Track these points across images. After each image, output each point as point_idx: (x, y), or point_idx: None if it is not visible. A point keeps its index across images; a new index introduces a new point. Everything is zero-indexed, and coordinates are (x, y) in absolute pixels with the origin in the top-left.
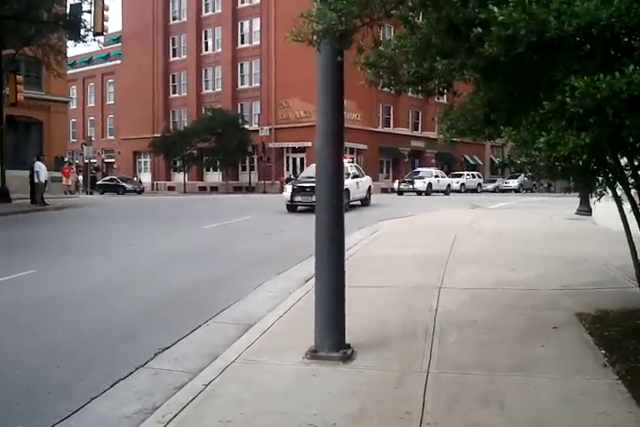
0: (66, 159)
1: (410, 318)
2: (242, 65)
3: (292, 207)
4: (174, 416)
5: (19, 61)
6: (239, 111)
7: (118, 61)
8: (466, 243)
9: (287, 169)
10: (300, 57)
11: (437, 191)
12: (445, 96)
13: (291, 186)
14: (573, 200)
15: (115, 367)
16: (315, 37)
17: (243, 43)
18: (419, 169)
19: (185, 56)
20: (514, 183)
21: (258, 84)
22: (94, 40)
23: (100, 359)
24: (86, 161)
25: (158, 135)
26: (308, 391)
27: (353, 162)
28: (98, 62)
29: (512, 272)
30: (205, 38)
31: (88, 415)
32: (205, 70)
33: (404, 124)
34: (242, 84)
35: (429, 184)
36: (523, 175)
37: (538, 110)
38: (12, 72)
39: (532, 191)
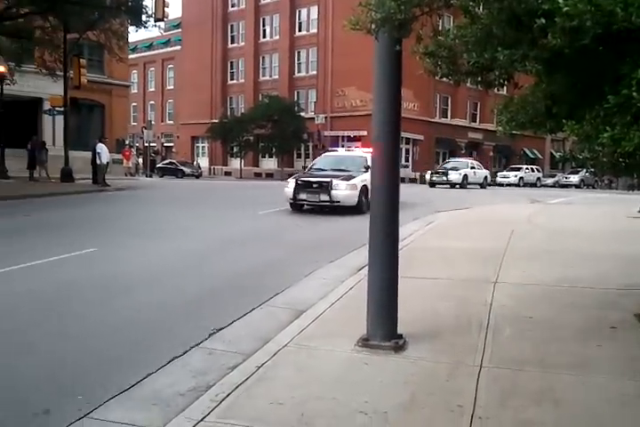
0: (126, 142)
1: (463, 311)
2: (299, 53)
3: (295, 206)
4: (227, 396)
5: (82, 45)
6: (295, 99)
7: (178, 47)
8: (523, 237)
9: None
10: (358, 45)
11: (473, 184)
12: (505, 88)
13: (294, 180)
14: (637, 198)
15: (171, 345)
16: (373, 26)
17: (300, 30)
18: (453, 159)
19: (243, 43)
20: (575, 178)
21: (314, 72)
22: (155, 26)
23: (157, 337)
24: (146, 144)
25: (216, 121)
26: (359, 379)
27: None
28: (158, 48)
29: (570, 269)
30: (263, 26)
31: (144, 390)
32: (263, 57)
33: (461, 115)
34: (298, 71)
35: (465, 176)
36: (584, 171)
37: (602, 104)
38: (76, 56)
39: (594, 187)
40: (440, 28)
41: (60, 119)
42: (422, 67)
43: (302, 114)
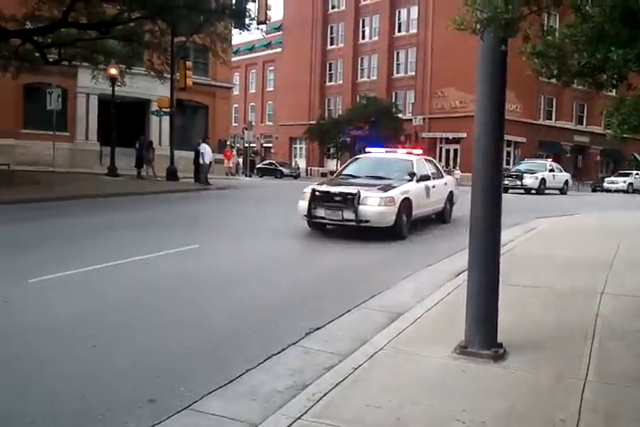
0: (228, 143)
1: (567, 321)
2: (398, 53)
3: (314, 225)
4: (323, 395)
5: (188, 48)
6: (393, 100)
7: (279, 49)
8: (634, 247)
9: (440, 159)
10: (458, 46)
11: (552, 189)
12: (616, 89)
13: (310, 190)
14: None
15: (269, 343)
16: (478, 26)
17: (400, 31)
18: (529, 160)
19: (342, 44)
20: None
21: (413, 73)
22: (257, 28)
23: (255, 334)
24: (246, 145)
25: (314, 122)
26: (457, 387)
27: (422, 156)
28: (260, 50)
29: None
30: (363, 27)
31: (242, 386)
32: (361, 59)
33: (567, 117)
34: (397, 72)
35: (542, 180)
36: None
37: None
38: (183, 58)
39: None
40: (546, 27)
41: (166, 120)
42: (529, 67)
43: (400, 115)
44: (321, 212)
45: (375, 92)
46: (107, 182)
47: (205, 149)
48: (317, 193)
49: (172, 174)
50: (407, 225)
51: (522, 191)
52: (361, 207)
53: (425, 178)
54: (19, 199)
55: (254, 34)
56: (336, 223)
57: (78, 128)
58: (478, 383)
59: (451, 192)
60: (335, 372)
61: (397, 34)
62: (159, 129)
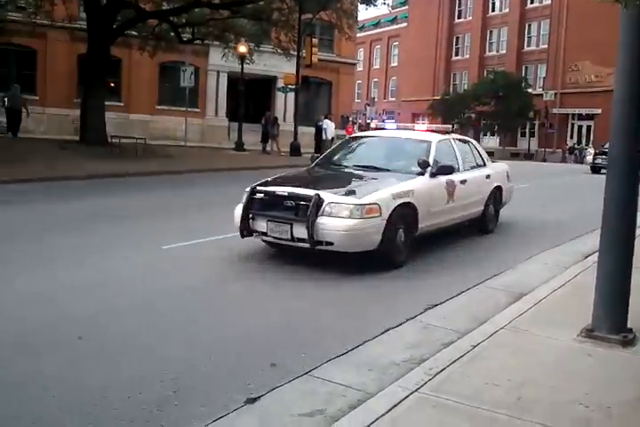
0: (350, 119)
1: None
2: (529, 26)
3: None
4: (441, 371)
5: (314, 25)
6: (523, 74)
7: (404, 24)
8: None
9: (571, 137)
10: (595, 16)
11: None
12: None
13: (248, 192)
14: None
15: (387, 316)
16: None
17: (532, 2)
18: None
19: (470, 17)
20: None
21: (545, 46)
22: (384, 3)
23: (374, 307)
24: (368, 121)
25: (438, 98)
26: (581, 370)
27: (449, 136)
28: (385, 25)
29: None
30: None
31: (360, 356)
32: (490, 32)
33: None
34: (528, 45)
35: None
36: None
37: None
38: (309, 35)
39: None
40: None
41: (290, 96)
42: None
43: (529, 90)
44: (262, 225)
45: (504, 67)
46: (233, 157)
47: (328, 124)
48: (258, 195)
49: (295, 149)
50: (406, 245)
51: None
52: (321, 221)
53: (447, 170)
54: (156, 171)
55: (380, 9)
56: (284, 244)
57: (208, 105)
58: (604, 368)
59: (497, 188)
60: (453, 348)
61: (530, 5)
62: (284, 105)
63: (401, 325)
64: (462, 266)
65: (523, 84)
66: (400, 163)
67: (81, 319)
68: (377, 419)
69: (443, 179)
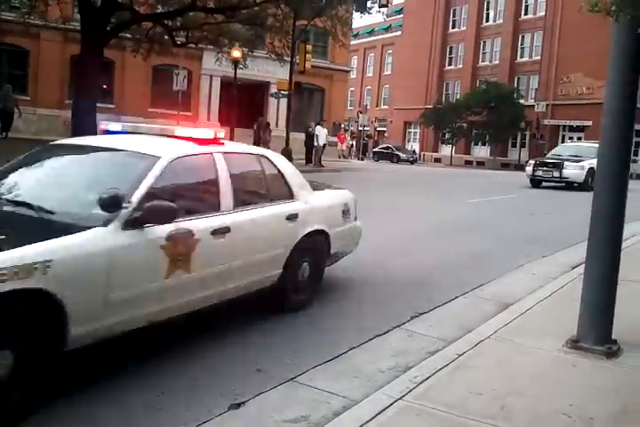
0: (342, 126)
1: None
2: (522, 37)
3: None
4: (425, 379)
5: (309, 32)
6: (515, 85)
7: (399, 33)
8: None
9: None
10: (588, 29)
11: None
12: None
13: None
14: None
15: (374, 323)
16: (613, 7)
17: (526, 14)
18: (573, 143)
19: (464, 27)
20: None
21: (538, 58)
22: (379, 12)
23: (359, 313)
24: (360, 128)
25: (430, 107)
26: (565, 381)
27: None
28: (379, 33)
29: None
30: (487, 9)
31: (346, 363)
32: (484, 42)
33: None
34: (521, 56)
35: (590, 171)
36: None
37: None
38: (303, 42)
39: None
40: None
41: (283, 102)
42: None
43: (521, 101)
44: None
45: (497, 77)
46: None
47: (320, 131)
48: None
49: (286, 155)
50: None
51: (562, 185)
52: None
53: (167, 213)
54: None
55: (375, 17)
56: None
57: (201, 109)
58: (588, 379)
59: (316, 235)
60: (439, 357)
61: (524, 17)
62: (277, 111)
63: (388, 332)
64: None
65: (515, 95)
66: (79, 198)
67: None
68: (361, 426)
69: (159, 230)
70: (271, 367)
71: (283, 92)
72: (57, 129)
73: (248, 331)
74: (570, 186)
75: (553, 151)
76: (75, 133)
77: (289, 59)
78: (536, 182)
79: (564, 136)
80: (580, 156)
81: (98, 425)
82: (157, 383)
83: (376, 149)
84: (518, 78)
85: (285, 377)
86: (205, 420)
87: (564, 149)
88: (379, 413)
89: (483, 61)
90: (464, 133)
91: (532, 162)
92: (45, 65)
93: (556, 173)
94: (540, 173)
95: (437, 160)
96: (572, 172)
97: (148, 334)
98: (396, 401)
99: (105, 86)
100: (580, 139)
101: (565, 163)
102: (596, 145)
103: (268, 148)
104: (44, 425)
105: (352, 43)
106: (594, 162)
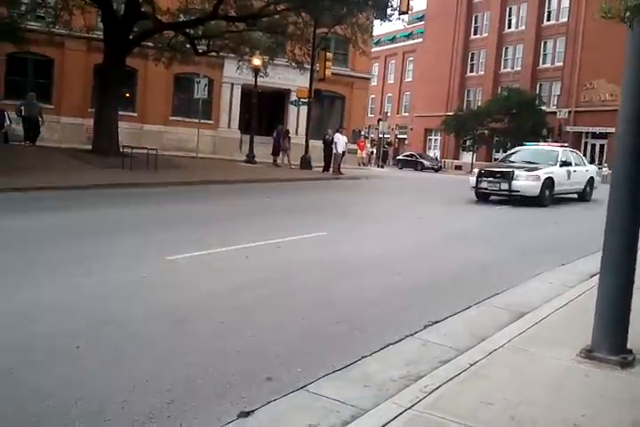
0: (362, 133)
1: None
2: (545, 43)
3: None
4: (436, 388)
5: (329, 39)
6: (537, 92)
7: (420, 40)
8: None
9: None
10: (611, 35)
11: (566, 194)
12: None
13: None
14: None
15: (385, 332)
16: (627, 13)
17: (549, 20)
18: (529, 146)
19: (486, 34)
20: None
21: (560, 64)
22: (399, 19)
23: (373, 322)
24: (380, 136)
25: (451, 114)
26: (578, 391)
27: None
28: (400, 41)
29: None
30: (509, 15)
31: (357, 372)
32: (506, 48)
33: None
34: (543, 63)
35: (548, 181)
36: None
37: None
38: (323, 49)
39: None
40: None
41: (303, 109)
42: None
43: (543, 108)
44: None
45: (519, 84)
46: (245, 169)
47: (339, 138)
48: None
49: (306, 163)
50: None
51: (516, 197)
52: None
53: (565, 163)
54: (167, 182)
55: (396, 24)
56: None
57: (221, 116)
58: (602, 390)
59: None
60: (451, 366)
61: (546, 23)
62: (296, 118)
63: (400, 341)
64: None
65: (537, 102)
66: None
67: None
68: None
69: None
70: (282, 376)
71: (303, 99)
72: (80, 137)
73: None
74: (523, 200)
75: (506, 156)
76: (97, 141)
77: (309, 66)
78: (483, 195)
79: (586, 143)
80: (536, 162)
81: None
82: (166, 391)
83: (400, 157)
84: (540, 85)
85: (295, 386)
86: None
87: (519, 153)
88: (387, 422)
89: (504, 68)
90: (485, 140)
91: (475, 170)
92: (69, 73)
93: (505, 186)
94: (484, 184)
95: (458, 167)
96: (525, 184)
97: (160, 339)
98: (405, 411)
99: (128, 95)
100: (602, 146)
101: (516, 172)
102: (559, 149)
103: (288, 155)
104: None
105: (373, 50)
106: (553, 170)
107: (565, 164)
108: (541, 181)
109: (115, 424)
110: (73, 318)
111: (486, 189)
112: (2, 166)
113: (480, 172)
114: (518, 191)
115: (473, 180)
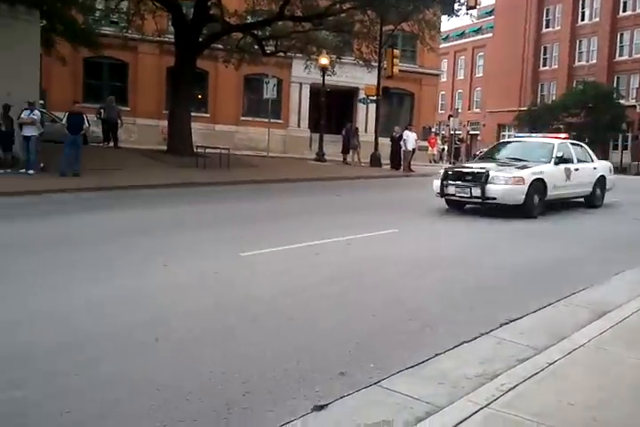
0: (433, 130)
1: None
2: (621, 35)
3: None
4: (513, 387)
5: (396, 36)
6: (614, 85)
7: (489, 35)
8: None
9: None
10: None
11: (566, 200)
12: None
13: None
14: None
15: (460, 330)
16: None
17: (625, 10)
18: (518, 137)
19: (558, 27)
20: None
21: (638, 56)
22: (467, 14)
23: (446, 319)
24: (452, 132)
25: (524, 109)
26: None
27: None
28: (469, 36)
29: None
30: (582, 8)
31: (431, 369)
32: (580, 41)
33: None
34: (620, 55)
35: (538, 185)
36: None
37: None
38: (390, 47)
39: None
40: None
41: (372, 107)
42: None
43: (622, 101)
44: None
45: (594, 77)
46: (315, 167)
47: (409, 135)
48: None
49: (375, 160)
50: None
51: (491, 206)
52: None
53: (563, 160)
54: (242, 180)
55: (464, 19)
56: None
57: (291, 116)
58: None
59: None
60: (528, 364)
61: (622, 13)
62: (365, 116)
63: (475, 339)
64: None
65: (614, 95)
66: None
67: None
68: None
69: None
70: (355, 371)
71: (371, 97)
72: (156, 138)
73: None
74: (502, 210)
75: (487, 152)
76: (171, 142)
77: (376, 64)
78: (454, 203)
79: None
80: (524, 159)
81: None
82: (241, 383)
83: (477, 153)
84: (618, 78)
85: (369, 381)
86: (289, 420)
87: (504, 147)
88: (463, 420)
89: (579, 61)
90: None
91: (441, 171)
92: (143, 76)
93: (476, 191)
94: (451, 189)
95: None
96: (504, 188)
97: (235, 334)
98: (481, 409)
99: (200, 96)
100: None
101: (492, 173)
102: (554, 141)
103: (357, 153)
104: None
105: (442, 46)
106: (544, 169)
107: (563, 160)
108: (527, 185)
109: (197, 412)
110: (150, 308)
111: (454, 195)
112: (87, 167)
113: (446, 173)
114: (494, 198)
115: (437, 183)
